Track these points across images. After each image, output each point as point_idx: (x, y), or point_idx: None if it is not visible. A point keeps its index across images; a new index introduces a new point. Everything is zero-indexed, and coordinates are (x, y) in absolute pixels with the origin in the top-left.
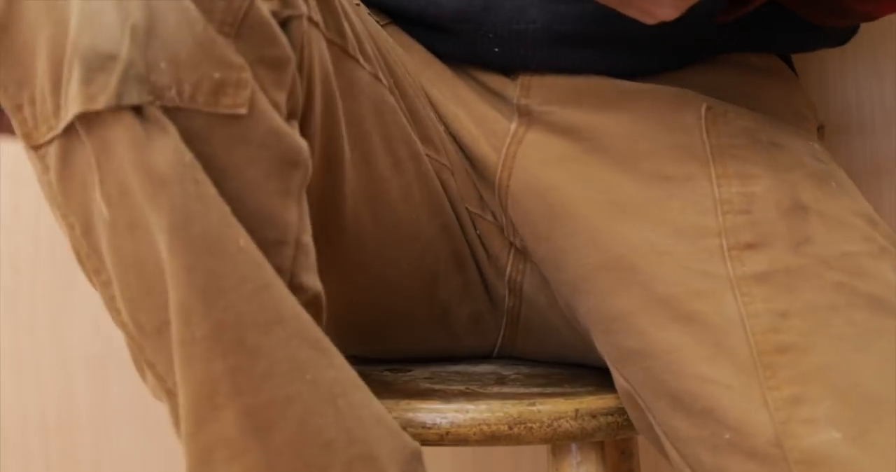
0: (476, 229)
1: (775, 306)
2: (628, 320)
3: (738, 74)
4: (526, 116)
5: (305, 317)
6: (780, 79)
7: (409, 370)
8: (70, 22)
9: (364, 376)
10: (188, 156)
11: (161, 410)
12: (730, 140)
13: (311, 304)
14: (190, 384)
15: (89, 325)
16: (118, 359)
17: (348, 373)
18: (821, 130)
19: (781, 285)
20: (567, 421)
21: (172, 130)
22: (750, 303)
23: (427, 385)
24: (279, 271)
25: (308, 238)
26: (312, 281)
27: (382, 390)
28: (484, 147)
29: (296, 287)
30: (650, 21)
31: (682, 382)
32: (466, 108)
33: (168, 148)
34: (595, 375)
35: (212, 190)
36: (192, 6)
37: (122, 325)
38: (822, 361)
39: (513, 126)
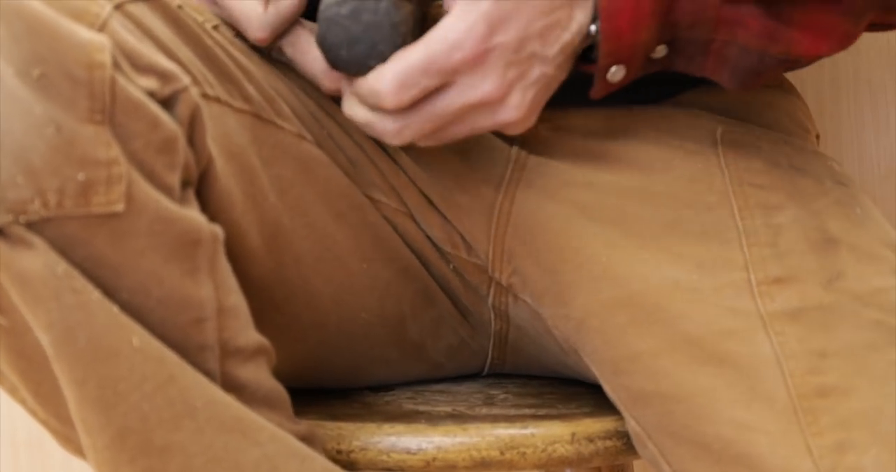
0: (450, 265)
1: (812, 345)
2: (647, 361)
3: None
4: (531, 140)
5: (220, 400)
6: (781, 90)
7: (391, 390)
8: None
9: (343, 397)
10: (61, 266)
11: None
12: (748, 166)
13: (254, 356)
14: None
15: None
16: None
17: (279, 444)
18: (817, 138)
19: (816, 322)
20: (562, 446)
21: (39, 243)
22: (785, 343)
23: (411, 406)
24: (205, 348)
25: (233, 299)
26: (249, 337)
27: (363, 411)
28: (481, 173)
29: (231, 352)
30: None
31: (714, 426)
32: None
33: (37, 263)
34: (591, 394)
35: (95, 295)
36: (38, 107)
37: (43, 422)
38: (865, 405)
39: (515, 150)
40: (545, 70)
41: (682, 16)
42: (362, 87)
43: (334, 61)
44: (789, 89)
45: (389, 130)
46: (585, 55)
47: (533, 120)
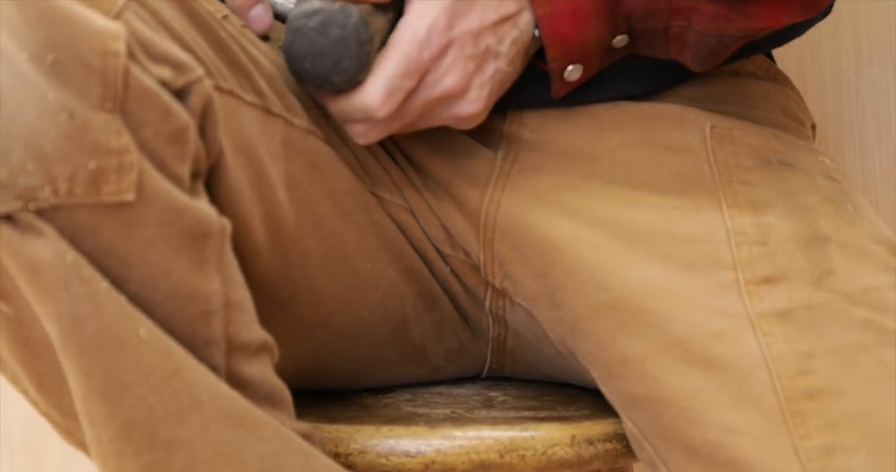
0: (448, 266)
1: (800, 346)
2: (636, 365)
3: (736, 83)
4: (515, 143)
5: (226, 394)
6: (775, 83)
7: (389, 392)
8: None
9: (342, 399)
10: (70, 255)
11: None
12: (737, 162)
13: (258, 353)
14: None
15: None
16: None
17: (283, 441)
18: (813, 129)
19: (804, 323)
20: (562, 449)
21: (49, 231)
22: (773, 344)
23: (409, 409)
24: (211, 342)
25: (239, 293)
26: (254, 333)
27: (361, 414)
28: (467, 179)
29: (237, 347)
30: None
31: (701, 431)
32: (444, 140)
33: (46, 251)
34: (590, 397)
35: (103, 285)
36: (52, 93)
37: (44, 414)
38: (854, 406)
39: (500, 155)
40: (499, 66)
41: (632, 10)
42: (351, 105)
43: (298, 72)
44: (783, 82)
45: (358, 131)
46: (543, 53)
47: (485, 115)
